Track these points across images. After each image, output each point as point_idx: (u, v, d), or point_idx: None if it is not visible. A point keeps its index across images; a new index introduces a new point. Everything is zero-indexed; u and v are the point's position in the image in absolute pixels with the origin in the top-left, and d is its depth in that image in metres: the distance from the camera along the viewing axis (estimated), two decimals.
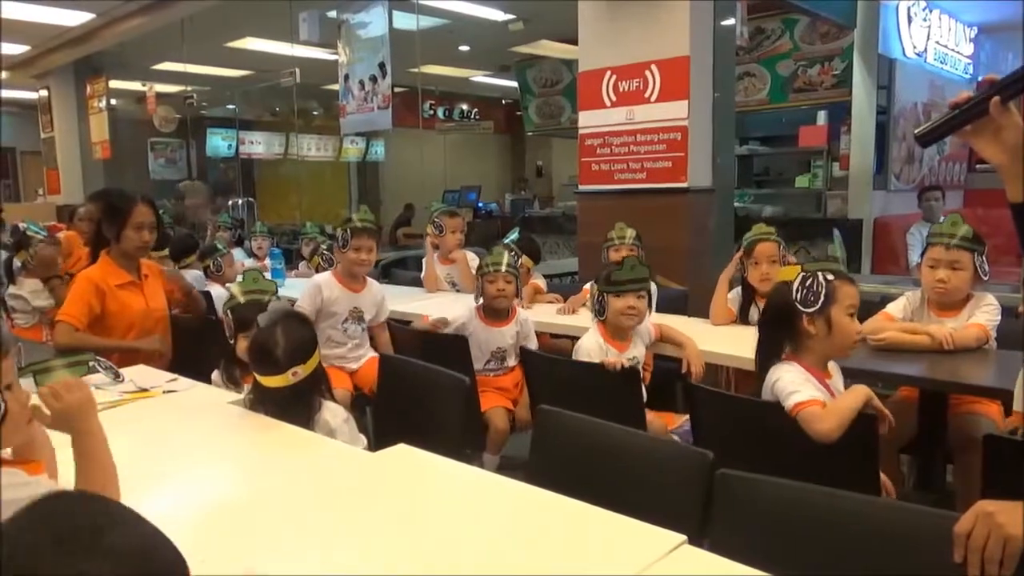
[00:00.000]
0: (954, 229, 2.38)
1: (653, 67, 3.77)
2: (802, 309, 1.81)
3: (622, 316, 2.44)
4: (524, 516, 1.30)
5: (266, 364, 1.80)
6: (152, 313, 2.90)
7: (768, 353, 1.88)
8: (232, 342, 2.21)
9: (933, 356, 2.27)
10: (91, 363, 2.18)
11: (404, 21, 6.42)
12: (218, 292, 3.82)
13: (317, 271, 4.13)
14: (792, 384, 1.75)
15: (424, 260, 4.19)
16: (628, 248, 3.28)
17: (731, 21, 4.04)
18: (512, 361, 2.92)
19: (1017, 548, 1.03)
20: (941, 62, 7.11)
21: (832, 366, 1.90)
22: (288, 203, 10.52)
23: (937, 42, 6.96)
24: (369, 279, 3.17)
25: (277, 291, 2.35)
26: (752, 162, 7.79)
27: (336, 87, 6.36)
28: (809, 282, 1.82)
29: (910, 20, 6.42)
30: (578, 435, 1.64)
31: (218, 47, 8.40)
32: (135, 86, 9.66)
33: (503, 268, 2.87)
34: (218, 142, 10.61)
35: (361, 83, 5.99)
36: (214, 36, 7.91)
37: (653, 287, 2.83)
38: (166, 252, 4.11)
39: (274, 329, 1.83)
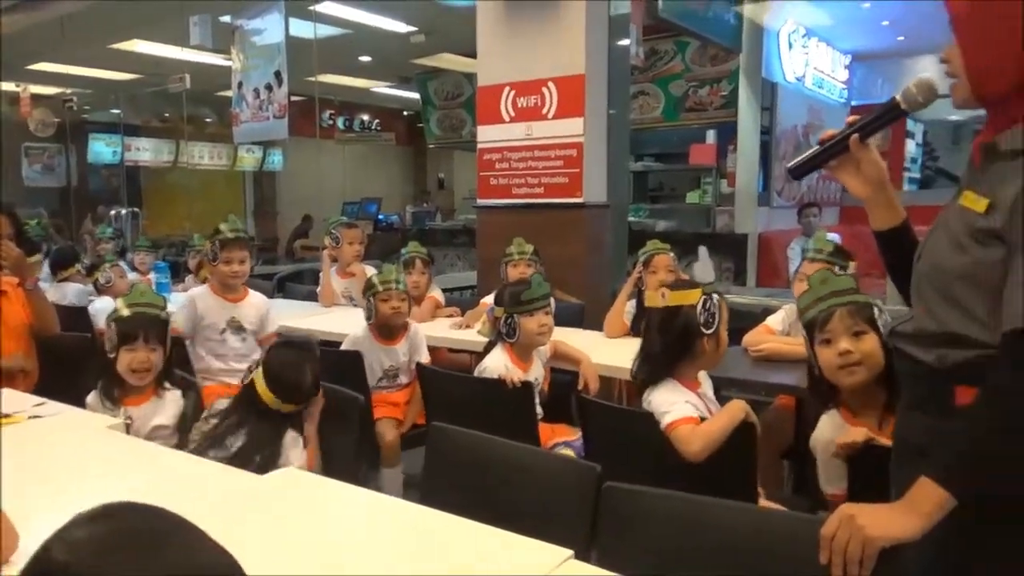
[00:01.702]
0: (820, 244, 2.55)
1: (550, 84, 3.84)
2: (704, 331, 1.88)
3: (537, 335, 2.46)
4: (412, 537, 1.29)
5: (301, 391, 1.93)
6: (11, 332, 2.70)
7: (660, 371, 1.91)
8: (112, 356, 2.11)
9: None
10: None
11: (302, 29, 6.30)
12: (101, 306, 3.61)
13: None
14: (665, 403, 1.81)
15: (321, 273, 4.11)
16: (526, 263, 3.32)
17: (626, 41, 4.17)
18: (404, 378, 2.90)
19: (875, 548, 1.10)
20: (819, 87, 7.58)
21: (702, 375, 1.98)
22: (177, 213, 10.07)
23: (815, 68, 7.41)
24: (251, 290, 3.09)
25: (166, 306, 2.27)
26: (647, 178, 8.04)
27: (230, 94, 6.16)
28: (708, 304, 1.89)
29: (790, 46, 6.81)
30: (471, 451, 1.64)
31: (102, 48, 7.97)
32: (8, 86, 9.04)
33: (397, 286, 2.84)
34: (101, 148, 10.06)
35: (256, 91, 5.83)
36: (97, 36, 7.50)
37: (552, 301, 2.88)
38: (36, 258, 3.85)
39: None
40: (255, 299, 3.08)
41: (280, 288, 5.19)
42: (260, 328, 3.04)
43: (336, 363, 2.77)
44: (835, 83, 8.01)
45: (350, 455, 1.95)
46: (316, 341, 2.13)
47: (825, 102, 7.67)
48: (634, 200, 7.51)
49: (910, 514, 1.09)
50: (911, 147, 9.02)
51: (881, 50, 8.09)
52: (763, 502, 1.87)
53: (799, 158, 1.38)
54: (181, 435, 2.08)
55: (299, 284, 5.42)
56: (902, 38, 7.50)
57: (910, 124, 8.82)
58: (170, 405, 2.16)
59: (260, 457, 1.82)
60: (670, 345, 1.89)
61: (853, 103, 8.26)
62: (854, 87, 8.35)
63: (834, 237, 3.77)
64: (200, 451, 1.83)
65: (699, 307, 1.87)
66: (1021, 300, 1.04)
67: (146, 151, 10.44)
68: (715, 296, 1.91)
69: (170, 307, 2.48)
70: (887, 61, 8.33)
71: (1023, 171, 1.07)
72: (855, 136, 1.29)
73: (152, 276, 4.68)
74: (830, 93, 7.86)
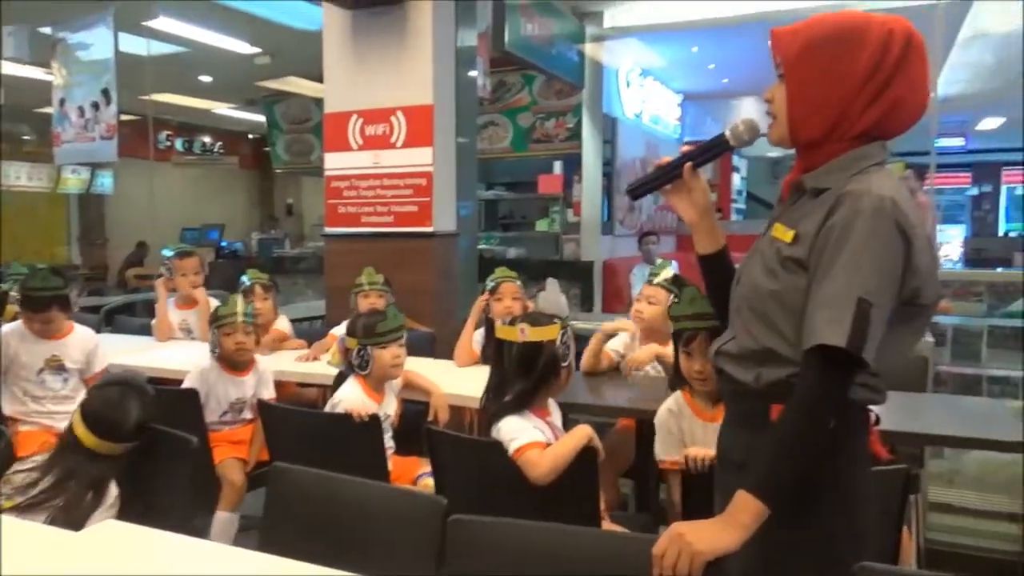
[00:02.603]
0: (658, 270, 2.72)
1: (399, 113, 3.85)
2: (563, 365, 1.95)
3: (391, 368, 2.43)
4: None
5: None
6: None
7: (518, 402, 1.92)
8: None
9: (646, 388, 2.54)
10: None
11: (134, 45, 5.93)
12: None
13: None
14: (513, 430, 1.85)
15: (156, 305, 3.85)
16: (377, 294, 3.27)
17: (474, 73, 4.25)
18: (250, 414, 2.77)
19: (701, 562, 1.17)
20: (655, 123, 8.09)
21: (551, 402, 2.04)
22: None
23: (651, 105, 7.91)
24: (76, 325, 2.87)
25: None
26: (497, 206, 8.21)
27: (51, 111, 5.68)
28: (565, 337, 1.96)
29: (628, 84, 7.23)
30: (314, 491, 1.59)
31: None
32: None
33: (244, 319, 2.71)
34: None
35: (80, 109, 5.42)
36: None
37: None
38: None
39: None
40: (80, 335, 2.85)
41: (109, 321, 4.80)
42: (87, 367, 2.83)
43: (171, 402, 2.60)
44: (670, 120, 8.59)
45: (182, 501, 1.83)
46: (145, 377, 2.00)
47: (661, 137, 8.19)
48: (486, 228, 7.64)
49: (730, 526, 1.17)
50: (737, 180, 9.81)
51: (709, 91, 8.78)
52: (606, 524, 1.95)
53: (637, 180, 1.47)
54: None
55: (131, 317, 5.05)
56: (727, 80, 8.18)
57: (736, 160, 9.60)
58: None
59: (86, 509, 1.68)
60: (533, 379, 1.92)
61: (686, 139, 8.88)
62: (686, 124, 8.99)
63: (673, 265, 4.01)
64: (17, 508, 1.66)
65: (558, 341, 1.94)
66: (818, 321, 1.15)
67: None
68: (569, 328, 1.98)
69: None
70: (714, 101, 9.04)
71: (823, 207, 1.20)
72: (689, 164, 1.39)
73: None
74: (665, 129, 8.41)
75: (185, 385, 2.70)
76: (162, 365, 3.08)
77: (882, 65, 1.19)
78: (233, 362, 2.73)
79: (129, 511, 1.62)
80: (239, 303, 2.74)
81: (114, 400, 1.83)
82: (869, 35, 1.20)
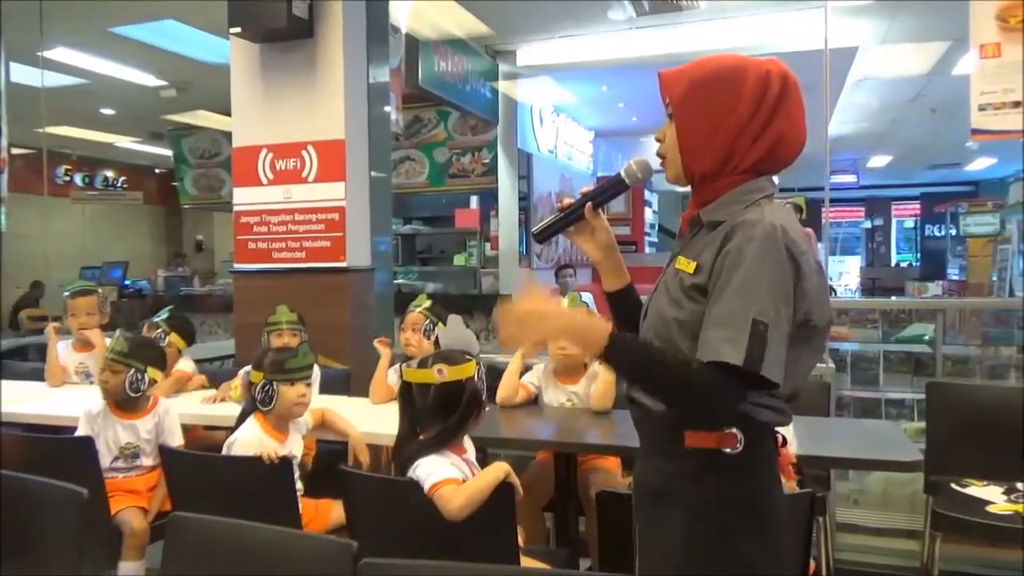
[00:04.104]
0: (572, 304, 2.72)
1: (310, 148, 3.79)
2: (481, 399, 1.92)
3: (296, 406, 2.37)
4: None
5: None
6: None
7: (441, 442, 1.88)
8: None
9: (564, 421, 2.54)
10: None
11: (27, 76, 5.65)
12: None
13: None
14: (429, 467, 1.82)
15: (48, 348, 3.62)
16: (291, 333, 3.18)
17: (388, 108, 4.24)
18: (148, 460, 2.61)
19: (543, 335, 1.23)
20: (568, 158, 8.27)
21: (466, 440, 2.02)
22: None
23: (564, 141, 8.09)
24: None
25: None
26: (415, 241, 8.17)
27: None
28: (480, 372, 1.93)
29: (542, 121, 7.37)
30: (217, 541, 1.51)
31: None
32: None
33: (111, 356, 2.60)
34: None
35: None
36: None
37: (316, 369, 2.77)
38: None
39: None
40: None
41: None
42: None
43: (55, 451, 2.44)
44: (582, 155, 8.80)
45: (70, 558, 1.70)
46: None
47: (575, 172, 8.38)
48: (403, 262, 7.59)
49: (580, 340, 1.32)
50: (649, 214, 10.10)
51: (619, 128, 9.06)
52: (524, 560, 1.92)
53: (541, 223, 1.49)
54: None
55: (23, 361, 4.74)
56: (635, 118, 8.47)
57: (647, 195, 9.89)
58: None
59: None
60: (456, 419, 1.89)
61: (599, 173, 9.11)
62: (599, 160, 9.22)
63: (588, 297, 4.06)
64: None
65: (475, 377, 1.91)
66: (714, 339, 1.19)
67: None
68: (481, 363, 1.96)
69: None
70: (625, 138, 9.33)
71: (720, 237, 1.25)
72: (589, 205, 1.42)
73: None
74: (578, 164, 8.61)
75: (78, 433, 2.54)
76: (56, 412, 2.89)
77: (763, 103, 1.27)
78: (123, 400, 2.59)
79: (9, 571, 1.49)
80: (119, 340, 2.64)
81: None
82: (748, 75, 1.27)
